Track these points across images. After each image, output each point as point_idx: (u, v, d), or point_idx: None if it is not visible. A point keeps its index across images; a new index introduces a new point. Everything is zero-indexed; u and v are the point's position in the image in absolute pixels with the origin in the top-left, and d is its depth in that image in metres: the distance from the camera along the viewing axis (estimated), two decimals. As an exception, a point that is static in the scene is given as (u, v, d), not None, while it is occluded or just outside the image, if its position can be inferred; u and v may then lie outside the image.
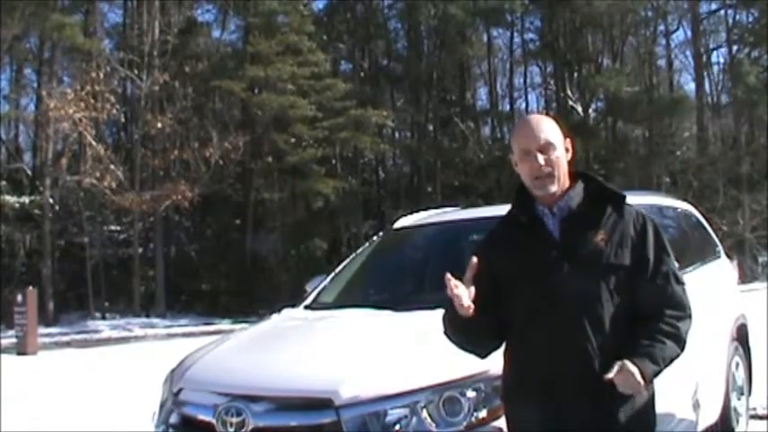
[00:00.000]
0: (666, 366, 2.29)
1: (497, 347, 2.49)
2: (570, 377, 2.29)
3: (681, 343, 2.32)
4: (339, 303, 4.40)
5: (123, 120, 30.96)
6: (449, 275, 2.28)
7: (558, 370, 2.30)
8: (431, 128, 36.79)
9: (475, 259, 2.29)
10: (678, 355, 2.33)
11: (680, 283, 2.39)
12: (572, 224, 2.35)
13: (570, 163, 2.43)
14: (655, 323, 2.29)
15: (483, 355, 2.51)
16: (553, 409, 2.30)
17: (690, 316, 2.37)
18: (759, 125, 35.11)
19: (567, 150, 2.42)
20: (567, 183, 2.41)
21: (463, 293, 2.26)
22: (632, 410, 2.31)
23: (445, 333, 2.50)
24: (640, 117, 34.24)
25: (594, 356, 2.28)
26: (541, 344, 2.34)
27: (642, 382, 2.19)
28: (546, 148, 2.35)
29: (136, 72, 29.04)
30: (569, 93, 35.41)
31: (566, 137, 2.43)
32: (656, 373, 2.26)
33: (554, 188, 2.36)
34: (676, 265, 2.43)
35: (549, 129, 2.39)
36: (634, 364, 2.19)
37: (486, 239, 2.59)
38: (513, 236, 2.43)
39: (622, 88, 32.78)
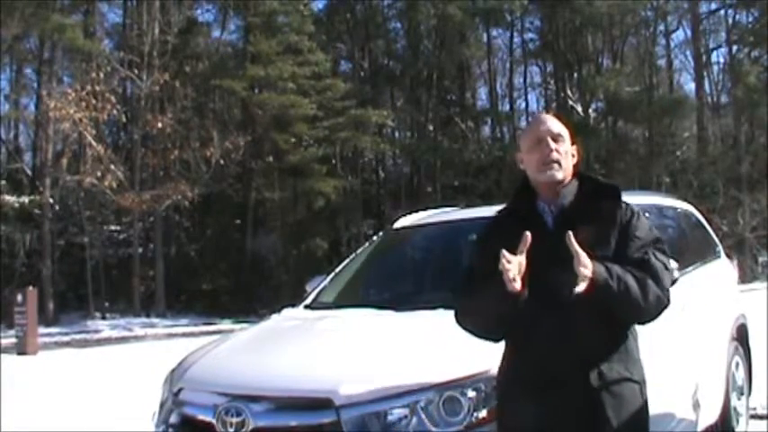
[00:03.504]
0: (619, 295, 2.25)
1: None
2: (561, 375, 2.31)
3: (644, 294, 2.29)
4: (339, 303, 4.40)
5: (123, 120, 30.97)
6: (504, 251, 2.25)
7: (550, 367, 2.32)
8: (431, 128, 36.80)
9: (528, 234, 2.27)
10: (636, 306, 2.29)
11: (666, 267, 2.40)
12: (565, 220, 2.39)
13: (575, 167, 2.51)
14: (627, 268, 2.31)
15: (498, 339, 2.51)
16: (543, 404, 2.32)
17: (667, 298, 2.37)
18: (759, 125, 35.13)
19: (573, 156, 2.50)
20: (569, 179, 2.49)
21: (515, 267, 2.24)
22: (626, 412, 2.32)
23: (463, 318, 2.49)
24: (640, 117, 34.27)
25: (585, 352, 2.30)
26: (533, 341, 2.36)
27: (588, 273, 2.18)
28: (557, 138, 2.46)
29: (136, 72, 29.04)
30: (569, 93, 35.44)
31: (573, 143, 2.51)
32: (605, 283, 2.22)
33: (560, 176, 2.43)
34: (672, 262, 2.43)
35: (561, 125, 2.51)
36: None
37: (486, 231, 2.61)
38: (512, 229, 2.43)
39: (622, 88, 32.80)
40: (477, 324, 2.47)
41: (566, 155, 2.45)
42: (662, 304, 2.36)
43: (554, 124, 2.48)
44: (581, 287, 2.20)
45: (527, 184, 2.51)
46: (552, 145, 2.43)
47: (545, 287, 2.30)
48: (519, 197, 2.53)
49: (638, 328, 2.50)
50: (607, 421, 2.29)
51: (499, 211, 2.59)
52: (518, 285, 2.24)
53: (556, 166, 2.42)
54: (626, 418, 2.32)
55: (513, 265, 2.23)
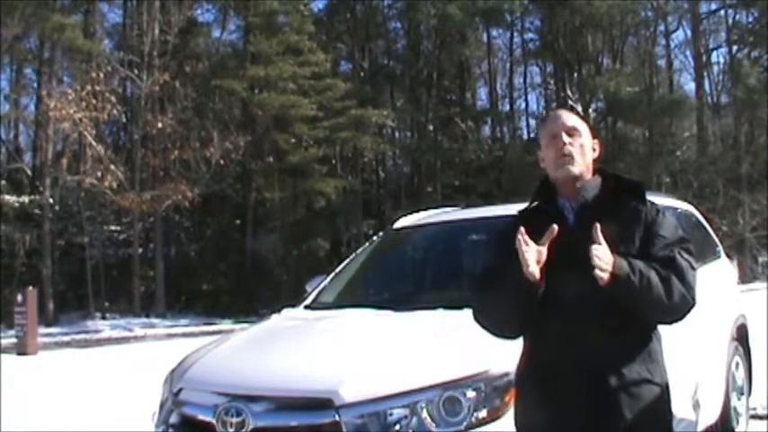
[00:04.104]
0: (641, 291, 2.21)
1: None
2: (578, 372, 2.29)
3: (668, 292, 2.25)
4: (339, 303, 4.40)
5: (123, 120, 30.97)
6: (522, 230, 2.23)
7: (567, 363, 2.31)
8: (431, 128, 36.81)
9: (555, 226, 2.25)
10: (659, 303, 2.25)
11: (692, 267, 2.36)
12: (587, 217, 2.35)
13: (595, 162, 2.50)
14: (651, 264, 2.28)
15: (517, 335, 2.47)
16: (560, 403, 2.31)
17: (693, 298, 2.32)
18: (759, 125, 35.12)
19: (593, 150, 2.49)
20: (589, 176, 2.46)
21: (532, 254, 2.22)
22: (644, 413, 2.29)
23: (480, 314, 2.45)
24: (640, 117, 34.24)
25: (604, 351, 2.28)
26: (553, 336, 2.34)
27: (609, 268, 2.17)
28: (572, 132, 2.44)
29: (136, 72, 29.04)
30: (569, 93, 35.39)
31: (594, 137, 2.51)
32: (626, 278, 2.19)
33: (576, 170, 2.41)
34: (693, 259, 2.38)
35: (576, 118, 2.50)
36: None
37: (506, 228, 2.54)
38: (532, 227, 2.38)
39: (622, 88, 32.78)
40: (494, 320, 2.44)
41: (582, 148, 2.43)
42: (687, 304, 2.32)
43: (568, 118, 2.47)
44: (601, 280, 2.17)
45: (547, 181, 2.49)
46: (566, 139, 2.41)
47: (566, 285, 2.27)
48: (539, 195, 2.51)
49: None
50: (623, 419, 2.27)
51: (520, 211, 2.57)
52: (536, 273, 2.23)
53: (571, 160, 2.40)
54: (644, 419, 2.29)
55: (531, 251, 2.22)
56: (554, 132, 2.44)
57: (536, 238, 2.28)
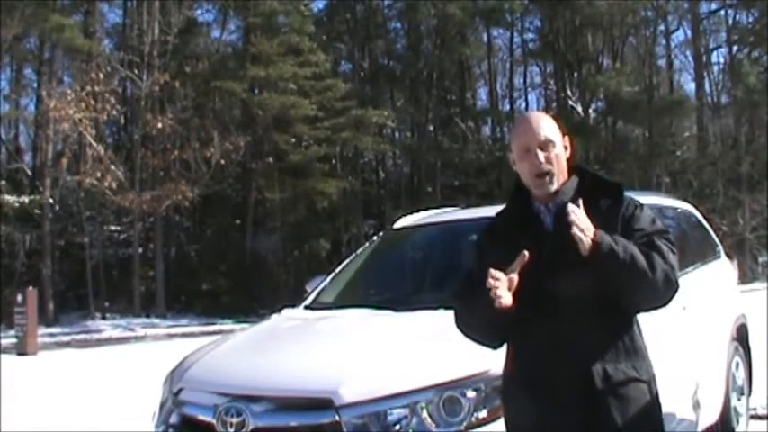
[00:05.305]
0: (625, 261, 2.17)
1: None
2: (564, 375, 2.27)
3: (651, 267, 2.20)
4: (339, 303, 4.40)
5: (123, 120, 30.96)
6: (492, 270, 2.19)
7: (553, 368, 2.29)
8: (431, 128, 36.81)
9: (526, 252, 2.21)
10: (644, 278, 2.19)
11: (672, 251, 2.30)
12: (564, 220, 2.31)
13: (569, 161, 2.43)
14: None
15: (498, 346, 2.46)
16: (548, 407, 2.28)
17: (676, 279, 2.27)
18: (759, 125, 35.13)
19: (565, 148, 2.42)
20: (564, 178, 2.40)
21: (503, 285, 2.19)
22: (633, 413, 2.27)
23: (460, 322, 2.45)
24: (640, 117, 34.25)
25: (589, 353, 2.27)
26: (536, 341, 2.32)
27: (590, 235, 2.15)
28: (546, 145, 2.35)
29: (136, 72, 29.03)
30: (569, 93, 35.43)
31: (564, 134, 2.42)
32: (610, 251, 2.16)
33: (554, 187, 2.36)
34: (673, 247, 2.34)
35: (548, 126, 2.39)
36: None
37: (483, 236, 2.56)
38: (510, 231, 2.40)
39: (622, 88, 32.78)
40: (473, 329, 2.43)
41: (558, 158, 2.36)
42: (671, 283, 2.25)
43: (540, 129, 2.36)
44: (582, 244, 2.14)
45: (522, 185, 2.43)
46: (541, 156, 2.33)
47: (546, 289, 2.25)
48: (515, 199, 2.47)
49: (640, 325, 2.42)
50: (612, 422, 2.25)
51: (497, 214, 2.54)
52: (506, 301, 2.18)
53: (550, 178, 2.34)
54: (633, 420, 2.27)
55: (502, 283, 2.18)
56: (527, 147, 2.35)
57: (511, 244, 2.26)
